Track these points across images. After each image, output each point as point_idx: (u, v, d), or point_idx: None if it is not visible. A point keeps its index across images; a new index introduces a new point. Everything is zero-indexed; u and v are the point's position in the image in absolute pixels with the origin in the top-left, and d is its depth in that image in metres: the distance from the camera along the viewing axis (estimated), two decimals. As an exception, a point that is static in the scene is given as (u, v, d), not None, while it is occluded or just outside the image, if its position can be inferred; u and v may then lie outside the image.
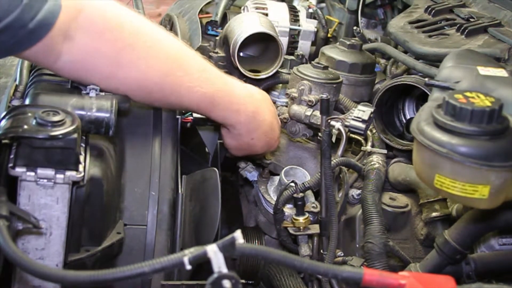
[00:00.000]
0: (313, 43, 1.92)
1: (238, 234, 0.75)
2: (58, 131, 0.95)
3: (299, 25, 1.87)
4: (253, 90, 1.37)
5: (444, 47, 1.40)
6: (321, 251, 1.37)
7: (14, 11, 0.94)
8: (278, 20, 1.82)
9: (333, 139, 1.38)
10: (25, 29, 0.97)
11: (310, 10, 1.94)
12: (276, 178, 1.54)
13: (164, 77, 1.16)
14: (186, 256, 0.74)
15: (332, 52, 1.66)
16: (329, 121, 1.36)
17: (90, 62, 1.09)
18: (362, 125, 1.33)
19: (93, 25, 1.07)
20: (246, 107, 1.31)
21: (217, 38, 1.71)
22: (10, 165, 0.96)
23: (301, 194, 1.37)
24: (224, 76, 1.30)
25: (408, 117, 1.55)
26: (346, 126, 1.35)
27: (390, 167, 1.48)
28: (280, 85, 1.69)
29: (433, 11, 1.58)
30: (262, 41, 1.64)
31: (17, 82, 1.26)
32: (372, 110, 1.34)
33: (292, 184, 1.39)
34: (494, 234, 1.29)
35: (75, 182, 1.00)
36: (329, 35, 1.99)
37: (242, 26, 1.58)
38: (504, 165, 0.87)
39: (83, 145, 1.05)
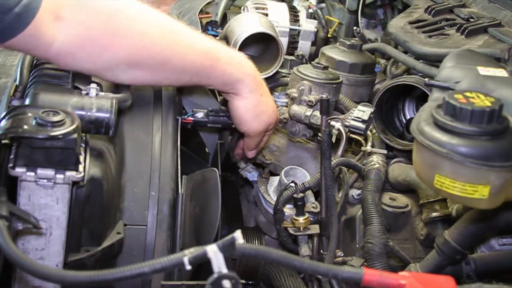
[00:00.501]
0: (313, 43, 1.92)
1: (238, 234, 0.75)
2: (58, 131, 0.95)
3: (299, 25, 1.87)
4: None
5: (444, 47, 1.40)
6: (321, 251, 1.37)
7: None
8: (278, 20, 1.82)
9: (333, 139, 1.38)
10: (12, 13, 0.96)
11: (310, 10, 1.94)
12: (276, 178, 1.54)
13: (159, 40, 1.15)
14: (186, 256, 0.74)
15: (332, 52, 1.66)
16: (329, 121, 1.36)
17: (86, 35, 1.08)
18: (362, 125, 1.33)
19: (81, 2, 1.07)
20: (244, 59, 1.31)
21: (217, 38, 1.71)
22: (10, 165, 0.96)
23: (301, 194, 1.37)
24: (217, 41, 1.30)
25: (408, 117, 1.55)
26: (346, 126, 1.35)
27: (390, 167, 1.48)
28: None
29: (433, 11, 1.58)
30: (262, 41, 1.64)
31: (17, 82, 1.26)
32: (372, 110, 1.34)
33: (292, 184, 1.39)
34: (494, 234, 1.29)
35: (75, 182, 1.00)
36: (329, 35, 1.99)
37: (242, 26, 1.58)
38: (504, 165, 0.87)
39: (83, 145, 1.05)
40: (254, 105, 1.34)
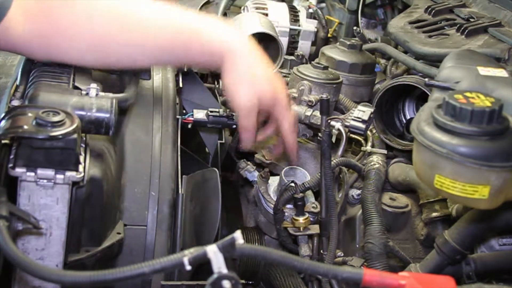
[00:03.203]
0: (313, 43, 1.92)
1: (238, 235, 0.75)
2: (58, 132, 0.94)
3: (299, 25, 1.87)
4: None
5: (444, 47, 1.40)
6: (321, 251, 1.37)
7: None
8: (278, 20, 1.82)
9: (333, 139, 1.38)
10: None
11: (310, 10, 1.94)
12: (276, 178, 1.54)
13: (131, 14, 1.14)
14: (186, 256, 0.74)
15: (332, 52, 1.66)
16: (329, 121, 1.36)
17: (49, 14, 1.10)
18: (362, 125, 1.33)
19: None
20: (231, 30, 1.22)
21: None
22: (10, 165, 0.96)
23: (301, 194, 1.37)
24: (195, 12, 1.28)
25: (408, 117, 1.55)
26: (346, 126, 1.35)
27: (390, 167, 1.48)
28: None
29: (433, 11, 1.58)
30: (262, 41, 1.64)
31: (17, 82, 1.26)
32: (372, 110, 1.34)
33: (292, 184, 1.39)
34: (494, 234, 1.29)
35: (75, 183, 1.00)
36: (329, 35, 1.99)
37: (242, 26, 1.58)
38: (504, 165, 0.87)
39: (83, 145, 1.05)
40: (241, 73, 1.21)
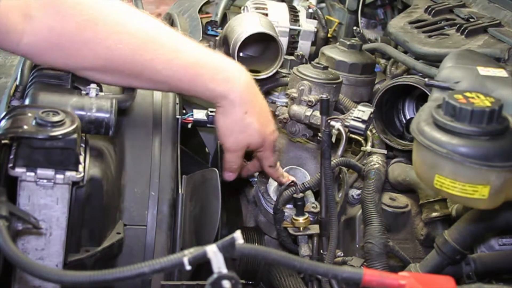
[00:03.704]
0: (313, 43, 1.92)
1: (238, 235, 0.75)
2: (58, 132, 0.94)
3: (299, 25, 1.87)
4: (243, 67, 1.27)
5: (444, 47, 1.40)
6: (321, 251, 1.37)
7: None
8: (278, 20, 1.82)
9: (333, 139, 1.38)
10: None
11: (310, 10, 1.94)
12: (276, 178, 1.54)
13: (135, 51, 1.10)
14: (186, 256, 0.74)
15: (332, 52, 1.66)
16: (329, 121, 1.36)
17: (54, 41, 1.07)
18: (362, 125, 1.33)
19: (52, 3, 1.05)
20: (235, 74, 1.22)
21: (217, 38, 1.71)
22: (10, 165, 0.96)
23: (301, 194, 1.37)
24: (205, 48, 1.22)
25: (408, 117, 1.55)
26: (346, 126, 1.35)
27: (390, 167, 1.48)
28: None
29: (433, 11, 1.58)
30: (262, 41, 1.64)
31: (17, 82, 1.26)
32: (372, 110, 1.34)
33: (292, 184, 1.39)
34: (494, 234, 1.29)
35: (75, 183, 1.00)
36: (329, 35, 1.99)
37: (242, 26, 1.58)
38: (504, 165, 0.87)
39: (83, 145, 1.05)
40: (234, 121, 1.25)
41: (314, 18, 1.93)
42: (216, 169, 1.35)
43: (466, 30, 1.42)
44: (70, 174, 0.97)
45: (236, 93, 1.21)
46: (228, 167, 1.35)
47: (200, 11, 2.00)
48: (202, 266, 0.80)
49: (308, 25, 1.88)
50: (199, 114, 1.42)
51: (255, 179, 1.57)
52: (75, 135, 0.96)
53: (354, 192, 1.45)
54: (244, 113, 1.24)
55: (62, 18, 1.06)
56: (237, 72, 1.23)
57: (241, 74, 1.23)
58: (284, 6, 1.89)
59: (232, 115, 1.24)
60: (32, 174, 0.96)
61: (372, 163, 1.44)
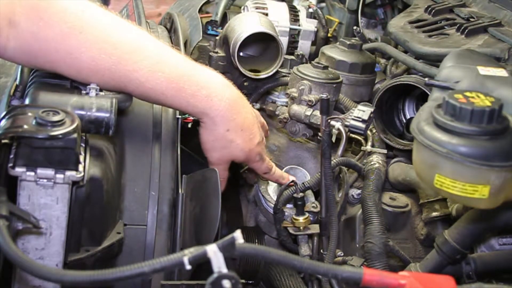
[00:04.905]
0: (313, 43, 1.92)
1: (238, 234, 0.75)
2: (58, 131, 0.94)
3: (299, 25, 1.87)
4: (229, 82, 1.26)
5: (444, 47, 1.40)
6: (321, 251, 1.37)
7: None
8: (278, 20, 1.82)
9: (333, 139, 1.38)
10: None
11: (310, 10, 1.94)
12: (276, 178, 1.54)
13: (117, 61, 1.10)
14: (186, 256, 0.74)
15: (332, 52, 1.66)
16: (329, 121, 1.36)
17: (38, 48, 1.07)
18: (362, 125, 1.33)
19: (36, 9, 1.05)
20: (218, 92, 1.21)
21: (217, 38, 1.71)
22: (10, 165, 0.95)
23: (301, 194, 1.37)
24: (192, 61, 1.21)
25: (408, 117, 1.55)
26: (346, 126, 1.35)
27: (390, 167, 1.48)
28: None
29: (433, 11, 1.58)
30: (262, 41, 1.64)
31: (17, 82, 1.26)
32: (372, 110, 1.34)
33: (292, 184, 1.39)
34: (494, 234, 1.29)
35: (75, 182, 1.00)
36: (329, 35, 1.99)
37: (242, 25, 1.58)
38: (504, 165, 0.87)
39: (83, 145, 1.05)
40: (216, 138, 1.25)
41: (314, 18, 1.93)
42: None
43: (466, 30, 1.42)
44: (70, 173, 0.97)
45: (217, 111, 1.21)
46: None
47: (200, 10, 2.00)
48: (202, 266, 0.80)
49: (308, 25, 1.88)
50: (199, 114, 1.41)
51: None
52: (75, 135, 0.96)
53: (354, 192, 1.45)
54: (225, 131, 1.24)
55: (45, 25, 1.05)
56: (220, 89, 1.22)
57: (224, 91, 1.22)
58: (284, 5, 1.89)
59: (214, 132, 1.24)
60: (32, 173, 0.96)
61: (372, 163, 1.44)
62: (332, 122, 1.36)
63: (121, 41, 1.12)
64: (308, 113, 1.43)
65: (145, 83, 1.13)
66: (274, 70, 1.60)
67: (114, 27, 1.13)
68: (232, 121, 1.24)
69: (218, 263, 0.74)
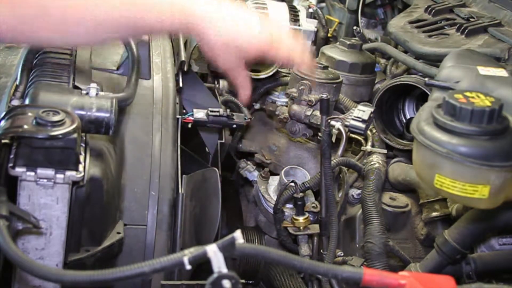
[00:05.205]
0: (313, 43, 1.92)
1: (238, 234, 0.75)
2: (58, 131, 0.94)
3: (299, 25, 1.87)
4: None
5: (444, 47, 1.40)
6: (321, 251, 1.37)
7: None
8: (278, 20, 1.82)
9: (333, 139, 1.38)
10: None
11: (310, 10, 1.94)
12: (276, 178, 1.54)
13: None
14: (186, 256, 0.74)
15: (332, 52, 1.66)
16: (329, 121, 1.36)
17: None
18: (362, 125, 1.33)
19: None
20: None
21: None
22: (10, 165, 0.96)
23: (301, 194, 1.37)
24: None
25: (408, 117, 1.55)
26: (346, 126, 1.35)
27: (390, 167, 1.48)
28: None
29: (433, 11, 1.58)
30: (262, 41, 1.63)
31: (17, 82, 1.26)
32: (372, 110, 1.34)
33: (292, 184, 1.39)
34: (494, 234, 1.29)
35: (75, 182, 1.00)
36: (329, 35, 1.99)
37: (242, 26, 1.58)
38: (504, 165, 0.87)
39: (83, 145, 1.05)
40: (219, 41, 1.11)
41: (314, 18, 1.93)
42: (216, 169, 1.35)
43: (466, 30, 1.42)
44: (70, 173, 0.97)
45: (201, 19, 1.09)
46: (240, 86, 1.20)
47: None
48: (202, 266, 0.80)
49: (308, 25, 1.88)
50: (199, 114, 1.42)
51: (255, 179, 1.57)
52: (75, 135, 0.96)
53: (354, 192, 1.45)
54: (217, 35, 1.10)
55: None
56: None
57: None
58: (284, 5, 1.89)
59: (207, 40, 1.11)
60: (32, 173, 0.96)
61: (372, 163, 1.44)
62: (332, 122, 1.36)
63: None
64: (308, 113, 1.43)
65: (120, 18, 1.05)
66: (274, 70, 1.60)
67: None
68: (220, 23, 1.11)
69: (218, 263, 0.74)
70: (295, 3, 2.04)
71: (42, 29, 1.06)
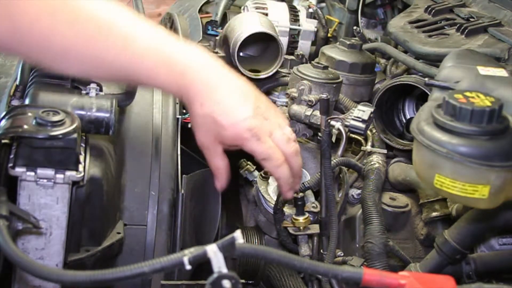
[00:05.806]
0: (313, 43, 1.92)
1: (238, 234, 0.75)
2: (58, 131, 0.95)
3: (299, 25, 1.87)
4: (207, 55, 1.07)
5: (444, 47, 1.40)
6: (321, 251, 1.37)
7: None
8: (278, 20, 1.82)
9: (333, 139, 1.38)
10: None
11: (310, 10, 1.94)
12: (276, 178, 1.54)
13: (88, 40, 0.96)
14: (186, 256, 0.74)
15: (332, 52, 1.66)
16: (329, 121, 1.36)
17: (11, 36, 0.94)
18: (362, 125, 1.33)
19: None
20: (192, 65, 1.03)
21: (217, 38, 1.71)
22: (10, 165, 0.96)
23: (301, 194, 1.37)
24: (164, 33, 1.04)
25: (408, 117, 1.55)
26: (346, 126, 1.35)
27: (390, 167, 1.48)
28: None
29: (433, 11, 1.58)
30: (262, 41, 1.64)
31: (17, 82, 1.26)
32: (372, 110, 1.34)
33: (292, 184, 1.39)
34: (494, 234, 1.29)
35: (75, 182, 1.00)
36: (329, 35, 1.99)
37: (242, 26, 1.58)
38: (504, 165, 0.87)
39: (83, 145, 1.05)
40: (193, 115, 1.06)
41: (314, 18, 1.93)
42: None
43: (466, 30, 1.42)
44: (70, 173, 0.97)
45: (190, 87, 1.03)
46: (214, 170, 1.14)
47: (200, 10, 2.00)
48: (202, 266, 0.80)
49: (308, 25, 1.89)
50: (199, 114, 1.41)
51: (255, 179, 1.57)
52: (75, 135, 0.96)
53: (354, 192, 1.45)
54: (200, 105, 1.04)
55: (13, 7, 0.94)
56: (194, 62, 1.04)
57: (198, 63, 1.04)
58: (284, 5, 1.89)
59: (192, 109, 1.06)
60: (32, 173, 0.96)
61: (372, 163, 1.44)
62: (332, 122, 1.36)
63: (91, 18, 0.98)
64: (308, 113, 1.43)
65: (114, 62, 0.98)
66: (274, 70, 1.60)
67: (87, 6, 0.98)
68: (206, 95, 1.04)
69: (218, 263, 0.74)
70: (295, 3, 2.04)
71: (43, 58, 1.01)
